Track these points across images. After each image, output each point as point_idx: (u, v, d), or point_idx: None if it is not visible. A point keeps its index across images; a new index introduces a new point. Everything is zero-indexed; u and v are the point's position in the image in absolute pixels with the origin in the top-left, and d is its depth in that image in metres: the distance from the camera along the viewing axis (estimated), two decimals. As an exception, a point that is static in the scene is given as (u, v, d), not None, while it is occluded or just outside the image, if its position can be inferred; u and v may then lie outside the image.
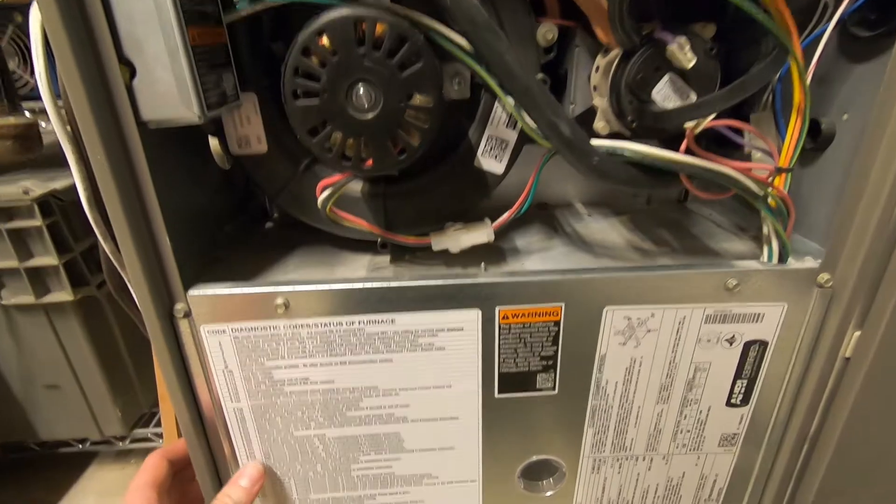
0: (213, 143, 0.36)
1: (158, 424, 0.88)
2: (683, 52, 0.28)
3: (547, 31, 0.32)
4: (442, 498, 0.41)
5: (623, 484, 0.42)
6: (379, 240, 0.37)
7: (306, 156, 0.36)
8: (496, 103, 0.34)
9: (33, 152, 0.65)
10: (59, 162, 0.45)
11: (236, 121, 0.34)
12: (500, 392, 0.37)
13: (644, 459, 0.40)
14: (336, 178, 0.30)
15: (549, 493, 0.42)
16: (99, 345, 0.71)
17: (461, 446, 0.39)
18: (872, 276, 0.32)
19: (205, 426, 0.36)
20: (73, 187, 0.29)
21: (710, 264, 0.35)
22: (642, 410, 0.38)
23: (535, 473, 0.42)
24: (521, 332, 0.34)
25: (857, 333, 0.34)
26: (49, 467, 0.91)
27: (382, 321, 0.34)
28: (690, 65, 0.29)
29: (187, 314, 0.32)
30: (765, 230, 0.34)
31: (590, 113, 0.35)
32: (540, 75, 0.32)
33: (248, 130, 0.34)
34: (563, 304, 0.34)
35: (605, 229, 0.44)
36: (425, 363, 0.35)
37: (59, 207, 0.65)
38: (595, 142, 0.31)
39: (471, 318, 0.34)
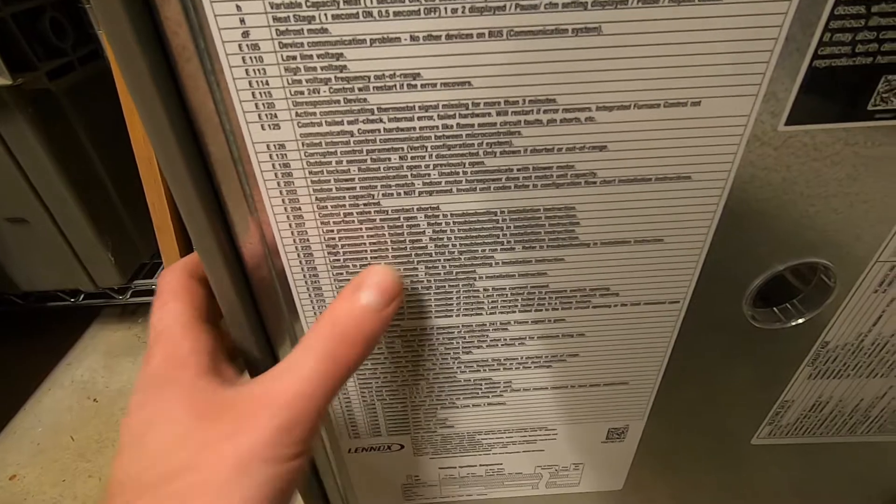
0: None
1: (162, 275, 0.72)
2: None
3: None
4: (614, 331, 0.25)
5: (915, 311, 0.25)
6: None
7: None
8: None
9: None
10: None
11: None
12: (791, 119, 0.18)
13: (973, 269, 0.24)
14: None
15: (793, 323, 0.25)
16: (64, 159, 0.53)
17: (678, 236, 0.22)
18: None
19: (214, 181, 0.19)
20: None
21: None
22: None
23: (771, 295, 0.25)
24: (907, -48, 0.15)
25: None
26: (44, 325, 0.79)
27: None
28: None
29: None
30: None
31: None
32: None
33: None
34: None
35: None
36: (660, 41, 0.16)
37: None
38: None
39: None
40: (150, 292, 0.71)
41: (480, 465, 0.33)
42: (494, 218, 0.21)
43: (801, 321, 0.25)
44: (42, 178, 0.54)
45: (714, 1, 0.16)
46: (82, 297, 0.72)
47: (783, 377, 0.28)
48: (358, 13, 0.16)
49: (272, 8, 0.15)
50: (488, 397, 0.28)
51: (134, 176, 0.59)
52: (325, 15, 0.16)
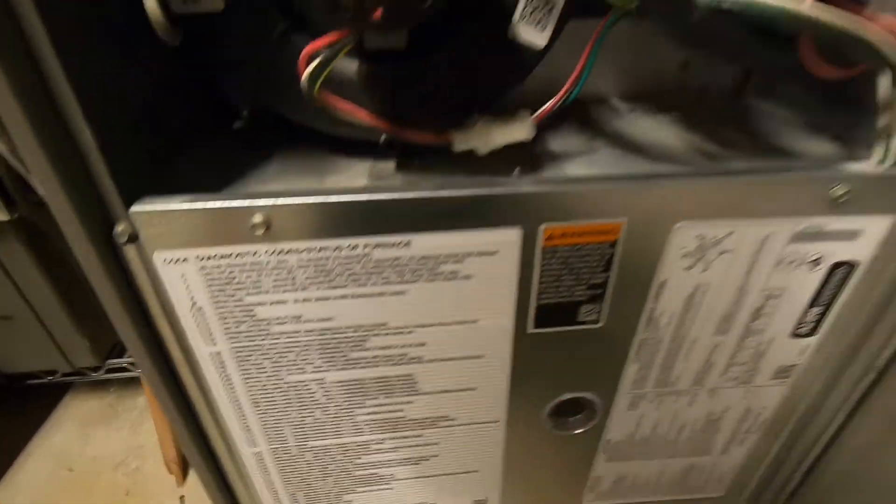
0: (149, 1, 0.26)
1: (133, 354, 0.80)
2: None
3: None
4: (459, 440, 0.36)
5: (660, 420, 0.37)
6: (383, 138, 0.29)
7: (283, 17, 0.26)
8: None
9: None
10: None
11: (177, -37, 0.24)
12: (535, 326, 0.30)
13: (687, 395, 0.36)
14: (327, 39, 0.21)
15: (578, 431, 0.37)
16: (50, 269, 0.63)
17: (485, 386, 0.33)
18: None
19: (176, 375, 0.30)
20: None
21: (807, 167, 0.27)
22: (696, 344, 0.32)
23: (564, 411, 0.37)
24: (569, 256, 0.27)
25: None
26: (19, 398, 0.86)
27: (394, 244, 0.26)
28: None
29: (133, 238, 0.24)
30: (883, 121, 0.27)
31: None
32: None
33: (196, -22, 0.24)
34: (625, 221, 0.26)
35: (655, 128, 0.36)
36: (447, 295, 0.28)
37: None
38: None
39: (509, 240, 0.26)
40: (123, 369, 0.80)
41: (383, 532, 0.43)
42: (362, 381, 0.32)
43: (584, 430, 0.37)
44: (29, 284, 0.64)
45: (466, 278, 0.28)
46: (59, 374, 0.80)
47: (589, 461, 0.40)
48: (261, 291, 0.27)
49: (210, 291, 0.27)
50: (379, 486, 0.39)
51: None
52: (243, 293, 0.27)
